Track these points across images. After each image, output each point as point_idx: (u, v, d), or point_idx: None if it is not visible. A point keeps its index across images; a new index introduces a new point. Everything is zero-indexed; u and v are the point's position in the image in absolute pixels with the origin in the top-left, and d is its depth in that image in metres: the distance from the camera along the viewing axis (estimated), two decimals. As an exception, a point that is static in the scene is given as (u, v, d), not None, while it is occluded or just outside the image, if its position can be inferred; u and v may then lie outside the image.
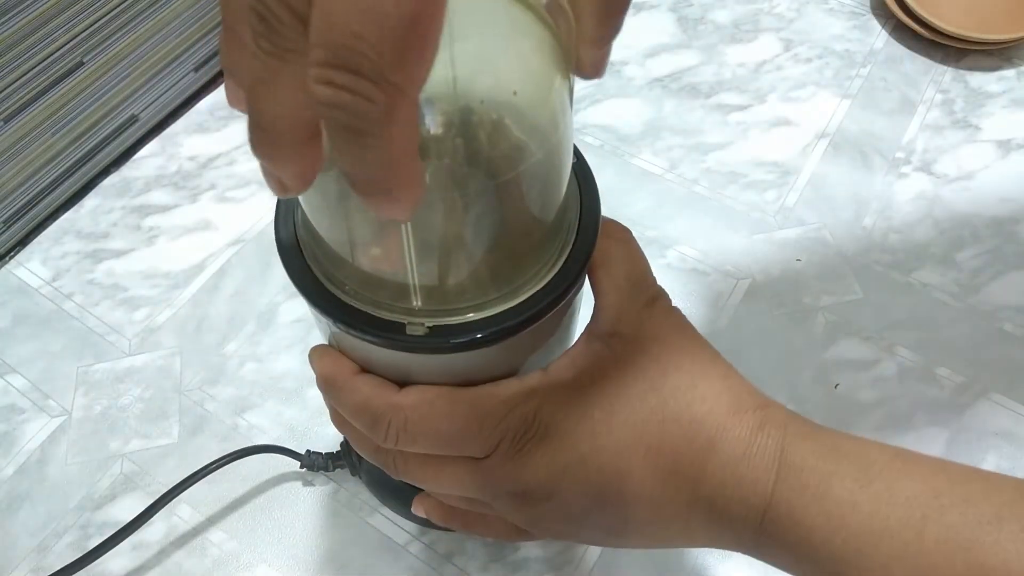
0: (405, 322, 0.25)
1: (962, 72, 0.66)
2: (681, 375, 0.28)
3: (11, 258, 0.57)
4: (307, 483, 0.47)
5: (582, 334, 0.30)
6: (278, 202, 0.28)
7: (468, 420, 0.27)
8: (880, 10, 0.71)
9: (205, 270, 0.56)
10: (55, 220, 0.59)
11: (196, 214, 0.59)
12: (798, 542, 0.25)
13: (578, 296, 0.30)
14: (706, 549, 0.33)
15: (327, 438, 0.48)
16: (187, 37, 0.63)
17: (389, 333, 0.25)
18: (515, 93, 0.22)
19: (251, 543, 0.45)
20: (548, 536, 0.31)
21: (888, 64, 0.67)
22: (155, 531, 0.45)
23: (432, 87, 0.20)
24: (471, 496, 0.30)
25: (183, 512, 0.46)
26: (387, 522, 0.45)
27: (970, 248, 0.56)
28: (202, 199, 0.60)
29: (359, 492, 0.46)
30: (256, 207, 0.59)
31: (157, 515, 0.46)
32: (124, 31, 0.57)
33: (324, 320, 0.26)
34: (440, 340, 0.25)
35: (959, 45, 0.66)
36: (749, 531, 0.26)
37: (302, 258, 0.27)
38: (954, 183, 0.60)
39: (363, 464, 0.44)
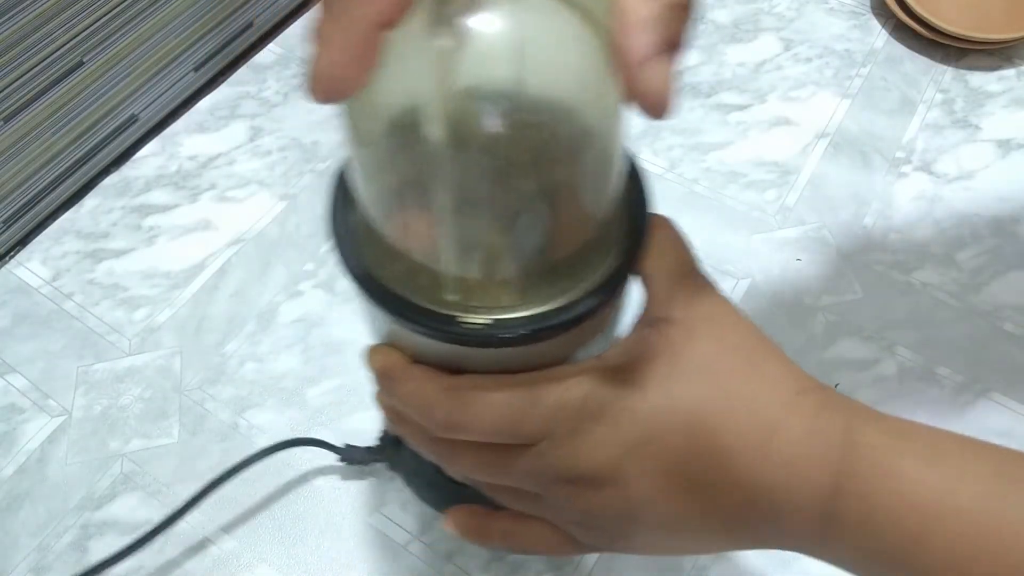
0: (462, 317, 0.25)
1: (962, 72, 0.66)
2: (738, 355, 0.27)
3: (11, 258, 0.57)
4: (308, 484, 0.47)
5: (634, 324, 0.29)
6: (332, 197, 0.28)
7: (523, 403, 0.27)
8: (880, 10, 0.71)
9: (205, 270, 0.56)
10: (55, 220, 0.59)
11: (196, 214, 0.59)
12: (865, 521, 0.25)
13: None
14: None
15: (329, 438, 0.48)
16: (187, 37, 0.63)
17: (446, 326, 0.25)
18: (570, 95, 0.22)
19: (251, 543, 0.45)
20: (597, 539, 0.31)
21: (888, 64, 0.67)
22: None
23: (488, 87, 0.21)
24: (525, 487, 0.29)
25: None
26: (387, 522, 0.45)
27: (970, 248, 0.56)
28: (202, 199, 0.60)
29: (363, 491, 0.46)
30: (256, 207, 0.59)
31: (158, 517, 0.46)
32: (124, 31, 0.57)
33: (380, 313, 0.27)
34: (497, 335, 0.25)
35: (959, 45, 0.66)
36: (815, 514, 0.26)
37: (358, 252, 0.27)
38: (954, 183, 0.60)
39: (401, 460, 0.44)
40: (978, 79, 0.66)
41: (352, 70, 0.19)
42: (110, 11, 0.56)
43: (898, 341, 0.52)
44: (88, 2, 0.54)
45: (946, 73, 0.66)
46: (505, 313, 0.25)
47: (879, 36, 0.69)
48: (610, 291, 0.26)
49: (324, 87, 0.20)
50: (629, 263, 0.27)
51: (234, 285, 0.55)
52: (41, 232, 0.58)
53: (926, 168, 0.60)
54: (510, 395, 0.27)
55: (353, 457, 0.46)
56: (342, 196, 0.28)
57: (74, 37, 0.54)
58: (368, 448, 0.46)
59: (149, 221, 0.59)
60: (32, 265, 0.56)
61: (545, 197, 0.23)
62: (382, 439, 0.45)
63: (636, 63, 0.19)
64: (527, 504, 0.31)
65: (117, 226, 0.58)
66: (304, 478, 0.47)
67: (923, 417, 0.50)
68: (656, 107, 0.20)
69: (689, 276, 0.29)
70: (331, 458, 0.46)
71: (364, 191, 0.25)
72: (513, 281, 0.25)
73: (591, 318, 0.26)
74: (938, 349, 0.51)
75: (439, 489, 0.42)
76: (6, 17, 0.49)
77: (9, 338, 0.53)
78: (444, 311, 0.25)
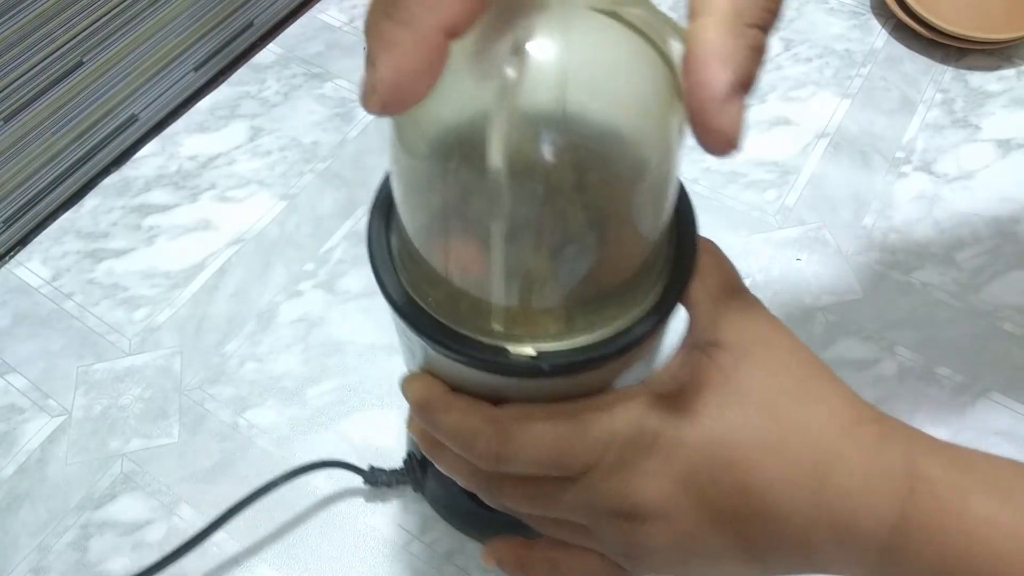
0: (508, 347, 0.24)
1: (962, 72, 0.66)
2: (791, 380, 0.26)
3: (11, 258, 0.57)
4: (309, 485, 0.47)
5: (680, 347, 0.28)
6: (372, 218, 0.27)
7: (571, 434, 0.26)
8: (880, 10, 0.71)
9: (205, 270, 0.56)
10: (55, 220, 0.59)
11: (196, 214, 0.59)
12: (930, 558, 0.24)
13: None
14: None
15: (328, 440, 0.49)
16: (187, 37, 0.63)
17: (494, 357, 0.24)
18: (630, 124, 0.21)
19: (251, 544, 0.45)
20: (647, 568, 0.29)
21: (888, 64, 0.67)
22: (155, 531, 0.45)
23: (539, 112, 0.20)
24: (573, 519, 0.28)
25: (184, 513, 0.46)
26: (388, 522, 0.45)
27: (970, 247, 0.56)
28: (202, 199, 0.60)
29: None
30: (256, 207, 0.59)
31: (158, 517, 0.46)
32: (124, 31, 0.57)
33: (420, 342, 0.26)
34: (547, 365, 0.24)
35: (959, 45, 0.66)
36: (874, 548, 0.25)
37: (398, 277, 0.26)
38: (954, 183, 0.60)
39: (427, 482, 0.43)
40: (978, 79, 0.66)
41: (418, 79, 0.18)
42: (110, 11, 0.56)
43: (898, 341, 0.52)
44: (88, 2, 0.54)
45: (946, 73, 0.66)
46: (552, 342, 0.25)
47: (879, 36, 0.69)
48: (659, 318, 0.26)
49: (387, 96, 0.19)
50: (678, 289, 0.26)
51: (234, 285, 0.55)
52: (41, 232, 0.58)
53: (926, 168, 0.61)
54: (557, 426, 0.26)
55: (379, 479, 0.45)
56: (382, 218, 0.27)
57: (74, 37, 0.54)
58: (393, 471, 0.45)
59: (149, 221, 0.59)
60: (32, 265, 0.57)
61: (599, 226, 0.23)
62: (406, 461, 0.45)
63: (711, 99, 0.19)
64: (572, 535, 0.30)
65: (117, 226, 0.58)
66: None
67: (923, 417, 0.51)
68: (724, 146, 0.19)
69: (735, 296, 0.28)
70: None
71: (408, 213, 0.25)
72: (562, 310, 0.24)
73: (640, 346, 0.26)
74: (938, 349, 0.51)
75: (468, 514, 0.41)
76: (6, 17, 0.49)
77: (9, 338, 0.53)
78: (489, 341, 0.25)
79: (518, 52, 0.19)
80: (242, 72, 0.67)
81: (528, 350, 0.24)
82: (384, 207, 0.28)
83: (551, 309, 0.24)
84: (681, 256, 0.27)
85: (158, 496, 0.47)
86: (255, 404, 0.50)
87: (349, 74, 0.67)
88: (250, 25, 0.68)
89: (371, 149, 0.62)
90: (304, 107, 0.65)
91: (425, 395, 0.28)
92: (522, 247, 0.22)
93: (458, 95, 0.20)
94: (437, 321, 0.25)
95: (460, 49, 0.19)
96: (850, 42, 0.69)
